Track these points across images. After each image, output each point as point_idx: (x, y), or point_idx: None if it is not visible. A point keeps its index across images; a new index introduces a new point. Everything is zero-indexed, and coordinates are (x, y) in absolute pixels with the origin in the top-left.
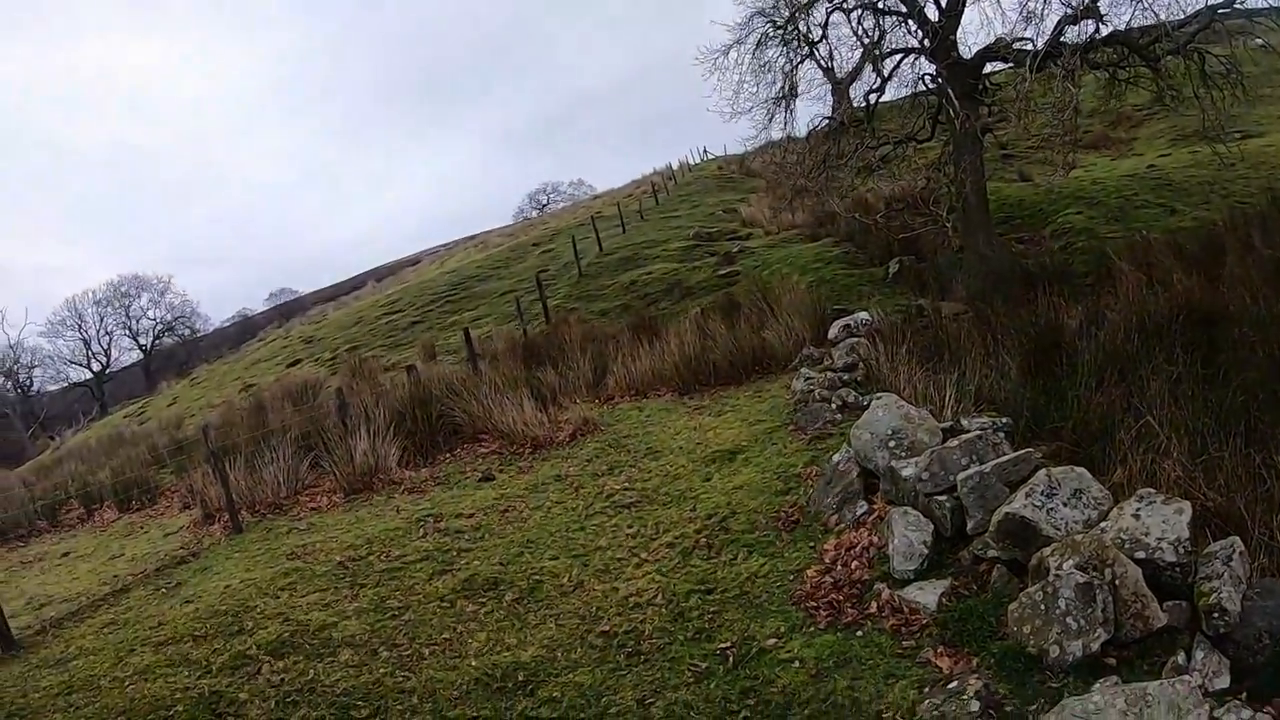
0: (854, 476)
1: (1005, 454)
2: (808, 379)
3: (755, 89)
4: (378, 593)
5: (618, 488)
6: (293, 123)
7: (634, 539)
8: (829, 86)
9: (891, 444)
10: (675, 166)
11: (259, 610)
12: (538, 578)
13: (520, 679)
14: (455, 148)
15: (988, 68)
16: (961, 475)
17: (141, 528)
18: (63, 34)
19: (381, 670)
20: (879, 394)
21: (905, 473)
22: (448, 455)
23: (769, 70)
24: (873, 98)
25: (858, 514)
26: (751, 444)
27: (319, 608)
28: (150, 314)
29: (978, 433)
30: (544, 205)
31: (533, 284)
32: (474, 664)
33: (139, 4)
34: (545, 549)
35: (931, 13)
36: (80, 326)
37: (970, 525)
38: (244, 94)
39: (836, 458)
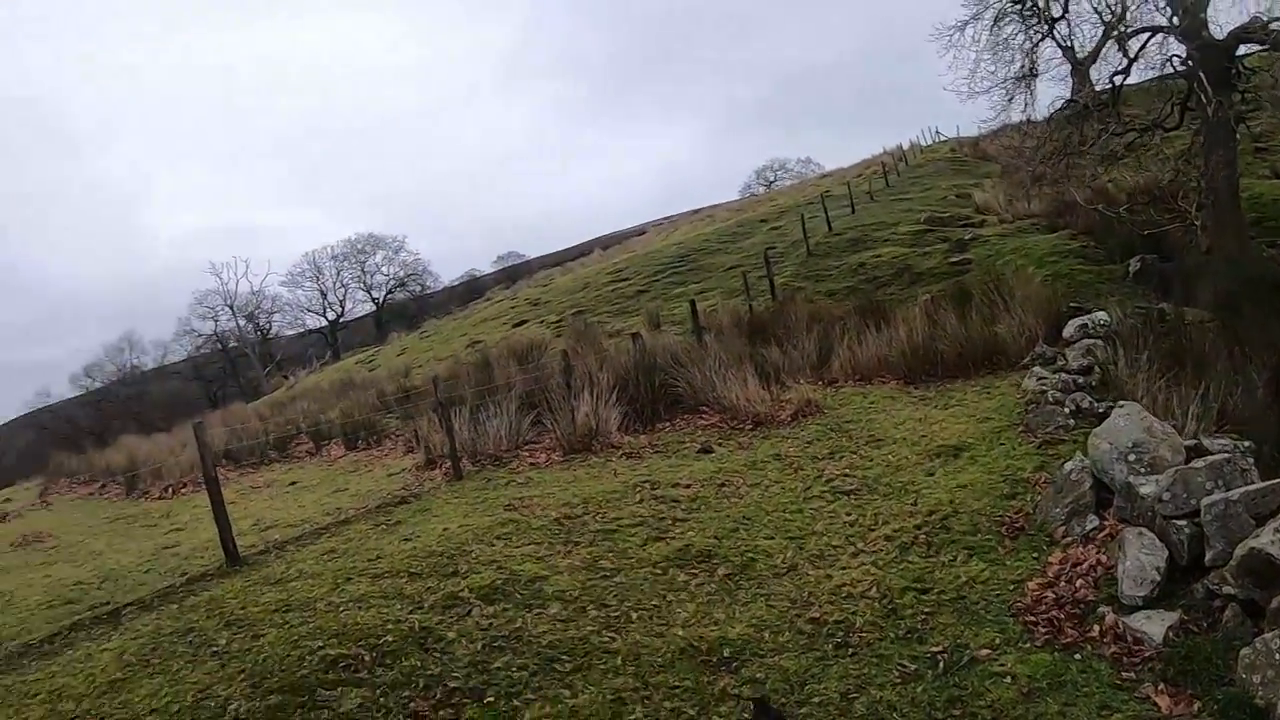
0: (1087, 488)
1: (1254, 482)
2: (1040, 379)
3: (993, 68)
4: (591, 552)
5: (838, 473)
6: (527, 92)
7: (851, 527)
8: (1069, 67)
9: (1131, 458)
10: (906, 147)
11: (474, 555)
12: (751, 555)
13: (725, 654)
14: (681, 122)
15: (1241, 50)
16: (1205, 501)
17: (366, 466)
18: (307, 13)
19: (588, 628)
20: (1121, 403)
21: (1144, 490)
22: (667, 424)
23: (1007, 48)
24: (1117, 80)
25: (1087, 528)
26: (978, 442)
27: (532, 560)
28: (384, 270)
29: (1225, 456)
30: (771, 182)
31: (759, 260)
32: (680, 634)
33: None
34: (760, 527)
35: None
36: (318, 278)
37: (1209, 556)
38: (476, 65)
39: (1069, 466)
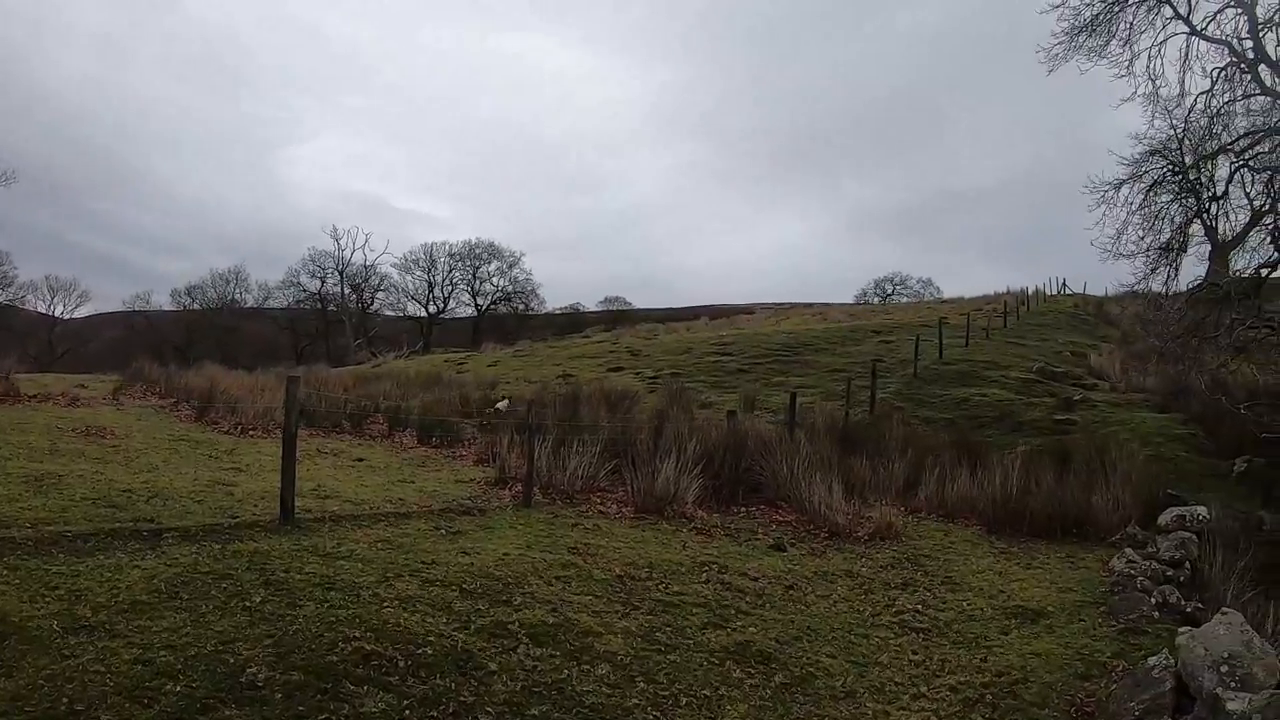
0: (1168, 689)
1: None
2: (1130, 562)
3: (1141, 233)
4: (649, 621)
5: (909, 607)
6: (673, 148)
7: (916, 668)
8: (1209, 247)
9: (1224, 669)
10: (1031, 292)
11: (530, 589)
12: (811, 669)
13: None
14: (812, 214)
15: None
16: None
17: (435, 465)
18: (490, 27)
19: (634, 700)
20: (1225, 610)
21: (1231, 706)
22: (743, 510)
23: (1159, 217)
24: (1264, 271)
25: None
26: (1058, 611)
27: (589, 612)
28: (494, 280)
29: None
30: (888, 295)
31: (865, 369)
32: None
33: (562, 10)
34: (824, 642)
35: None
36: (430, 270)
37: None
38: (633, 112)
39: (1152, 661)
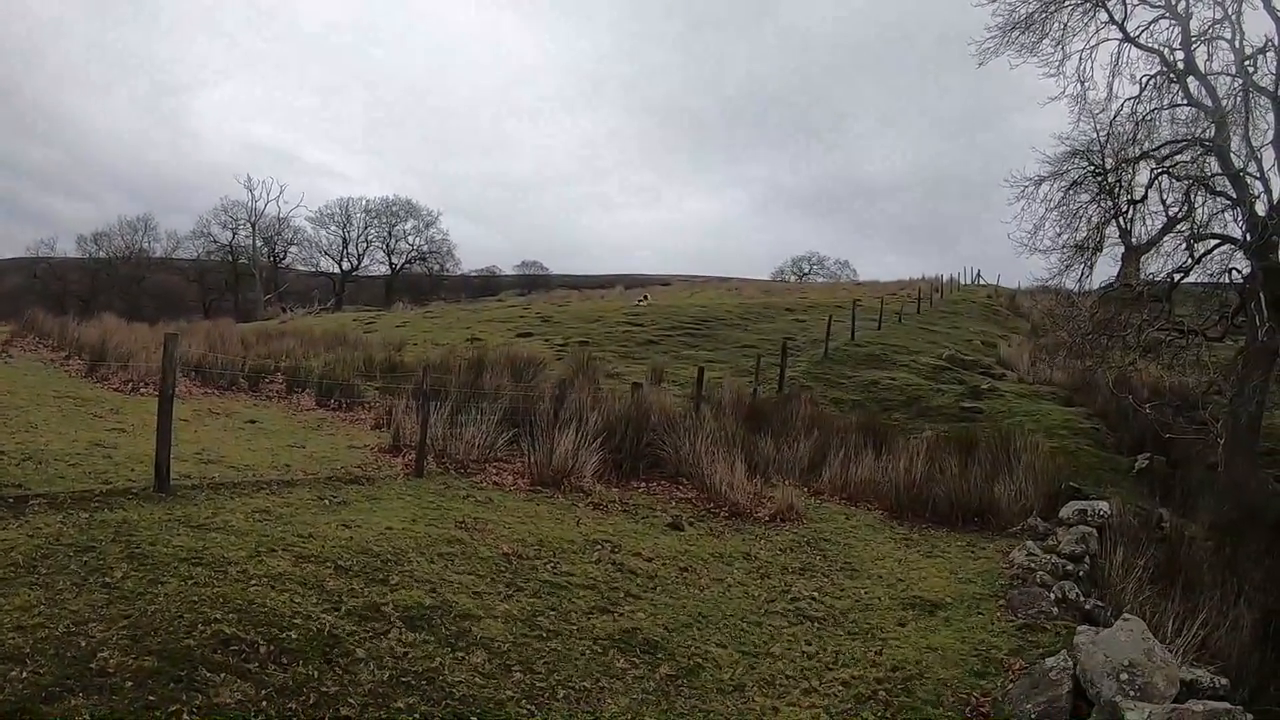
0: (1065, 693)
1: None
2: (1030, 554)
3: (1059, 230)
4: (533, 604)
5: (806, 593)
6: (595, 114)
7: (809, 659)
8: (1123, 249)
9: (1123, 676)
10: (945, 280)
11: (410, 568)
12: (699, 660)
13: None
14: (732, 189)
15: None
16: None
17: (330, 428)
18: None
19: (508, 692)
20: (1126, 615)
21: (1131, 717)
22: (643, 485)
23: (1077, 216)
24: (1175, 276)
25: None
26: (956, 603)
27: (469, 593)
28: (409, 239)
29: (1225, 708)
30: (805, 274)
31: (776, 347)
32: None
33: None
34: (715, 630)
35: (1261, 207)
36: (345, 226)
37: None
38: (553, 75)
39: (1050, 663)
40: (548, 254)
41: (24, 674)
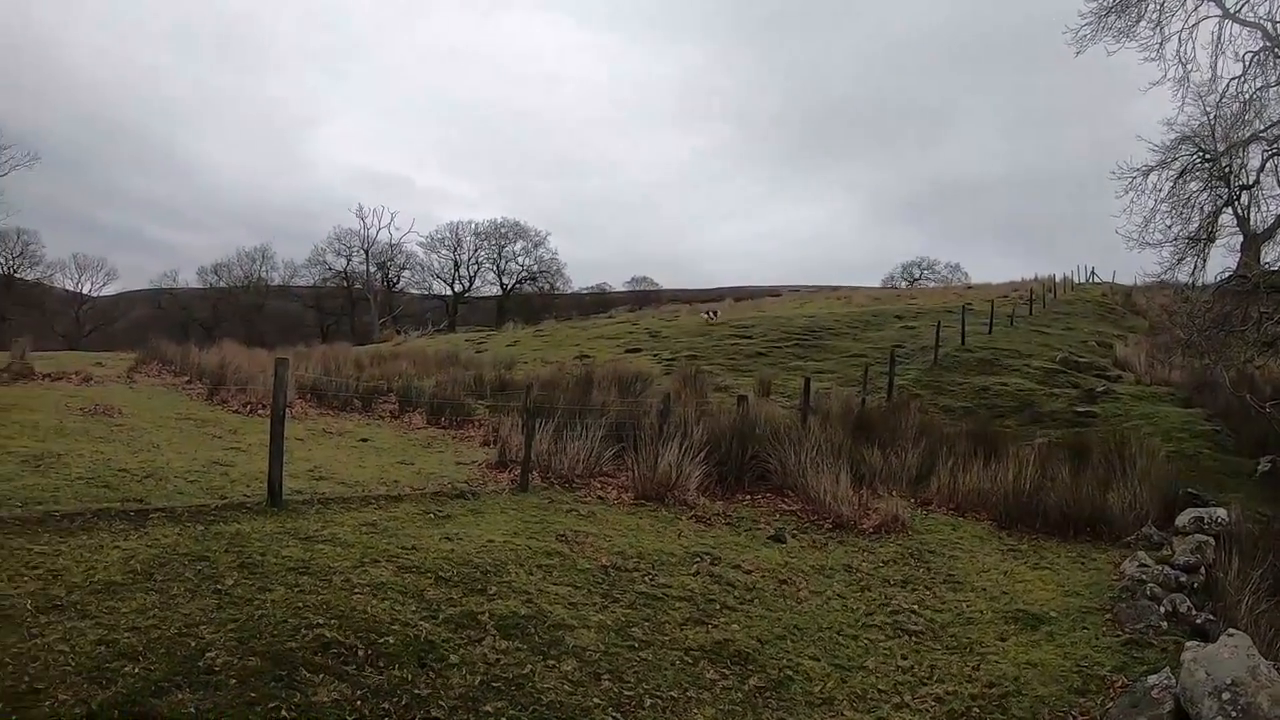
0: (1166, 712)
1: None
2: (1141, 565)
3: (1169, 222)
4: (627, 615)
5: (905, 606)
6: (696, 131)
7: (903, 674)
8: (1240, 238)
9: (1225, 695)
10: (1058, 279)
11: (508, 579)
12: (790, 672)
13: None
14: (839, 197)
15: None
16: None
17: (440, 446)
18: (509, 5)
19: (596, 700)
20: (1231, 631)
21: None
22: (747, 498)
23: (1188, 205)
24: None
25: None
26: (1061, 617)
27: (564, 604)
28: (519, 260)
29: None
30: (915, 279)
31: (885, 355)
32: None
33: None
34: (809, 642)
35: None
36: (456, 249)
37: None
38: (655, 92)
39: (1152, 680)
40: (658, 269)
41: (136, 669)
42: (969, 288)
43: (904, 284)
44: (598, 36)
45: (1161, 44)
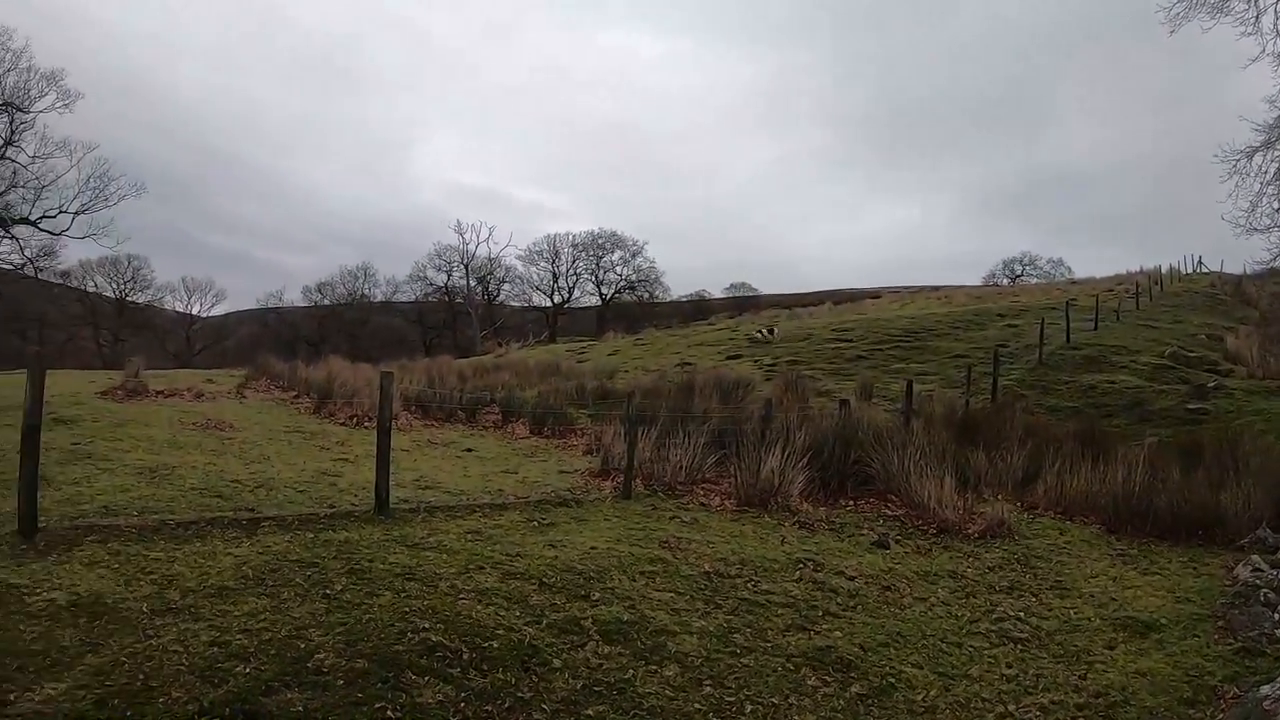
0: None
1: None
2: (1255, 570)
3: (1276, 206)
4: (729, 621)
5: (1011, 613)
6: (786, 135)
7: (1008, 683)
8: None
9: None
10: (1165, 270)
11: (611, 585)
12: (892, 680)
13: None
14: (931, 192)
15: None
16: None
17: (543, 454)
18: (592, 20)
19: (696, 705)
20: None
21: None
22: (850, 504)
23: None
24: None
25: None
26: (1171, 624)
27: (667, 610)
28: (618, 269)
29: None
30: (1017, 275)
31: (988, 355)
32: None
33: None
34: (912, 650)
35: None
36: (554, 261)
37: None
38: (745, 96)
39: (1265, 691)
40: (755, 274)
41: (247, 669)
42: (1072, 282)
43: (1006, 281)
44: (679, 45)
45: (1257, 17)
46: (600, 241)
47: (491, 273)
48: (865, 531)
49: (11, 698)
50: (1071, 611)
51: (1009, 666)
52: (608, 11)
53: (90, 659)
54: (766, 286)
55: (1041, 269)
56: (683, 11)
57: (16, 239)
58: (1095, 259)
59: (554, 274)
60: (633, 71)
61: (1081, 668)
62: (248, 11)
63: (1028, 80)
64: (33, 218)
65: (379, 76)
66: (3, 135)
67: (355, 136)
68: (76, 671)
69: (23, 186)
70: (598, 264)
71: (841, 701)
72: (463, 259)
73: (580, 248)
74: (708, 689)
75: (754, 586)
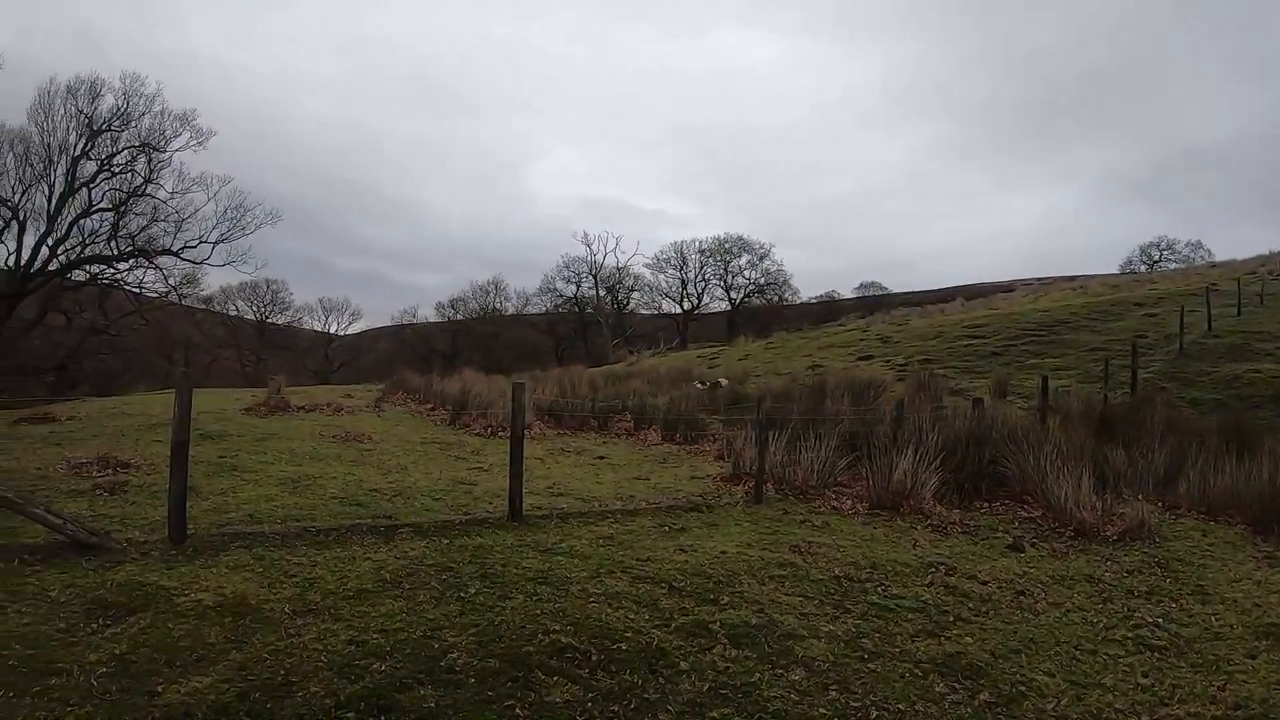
0: None
1: None
2: None
3: None
4: (858, 626)
5: (1149, 620)
6: (909, 130)
7: (1143, 692)
8: None
9: None
10: None
11: (741, 589)
12: (1022, 688)
13: None
14: (1066, 182)
15: None
16: None
17: (675, 460)
18: (702, 23)
19: (821, 710)
20: None
21: None
22: (985, 505)
23: None
24: None
25: None
26: None
27: (795, 614)
28: (746, 274)
29: None
30: (1155, 261)
31: (1126, 347)
32: None
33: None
34: (1044, 657)
35: None
36: (682, 268)
37: None
38: (863, 92)
39: None
40: (883, 273)
41: (383, 667)
42: (1213, 266)
43: (1143, 267)
44: (794, 44)
45: None
46: (727, 246)
47: (620, 282)
48: (1000, 534)
49: (159, 689)
50: (1213, 618)
51: (1144, 675)
52: (714, 12)
53: (234, 655)
54: (895, 285)
55: (1180, 253)
56: (791, 11)
57: (160, 269)
58: (1236, 239)
59: (682, 280)
60: (746, 74)
61: (1221, 677)
62: (362, 42)
63: (1150, 52)
64: (174, 249)
65: (492, 97)
66: (142, 174)
67: (473, 157)
68: (220, 666)
69: (164, 220)
70: (725, 268)
71: (969, 709)
72: (591, 269)
73: (707, 253)
74: (833, 694)
75: (884, 591)
